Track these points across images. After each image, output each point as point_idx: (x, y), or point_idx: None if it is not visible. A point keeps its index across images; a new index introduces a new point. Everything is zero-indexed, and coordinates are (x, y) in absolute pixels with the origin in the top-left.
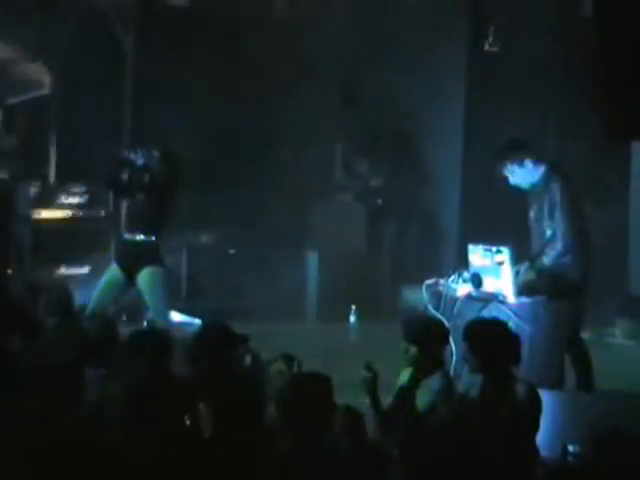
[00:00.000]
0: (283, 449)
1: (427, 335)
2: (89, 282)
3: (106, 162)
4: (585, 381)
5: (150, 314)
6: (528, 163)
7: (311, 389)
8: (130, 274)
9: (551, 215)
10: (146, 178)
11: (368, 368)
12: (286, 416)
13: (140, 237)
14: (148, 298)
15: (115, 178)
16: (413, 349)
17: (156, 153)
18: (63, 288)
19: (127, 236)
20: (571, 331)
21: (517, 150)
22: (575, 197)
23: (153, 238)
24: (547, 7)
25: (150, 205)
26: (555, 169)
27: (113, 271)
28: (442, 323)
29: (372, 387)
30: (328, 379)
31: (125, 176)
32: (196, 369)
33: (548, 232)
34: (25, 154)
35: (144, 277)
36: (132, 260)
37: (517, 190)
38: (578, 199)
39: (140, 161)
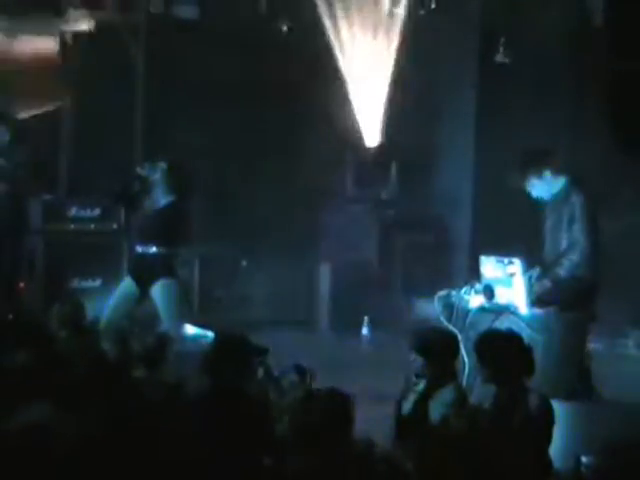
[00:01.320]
0: (294, 465)
1: (436, 347)
2: (101, 295)
3: (117, 178)
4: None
5: (164, 326)
6: (547, 174)
7: (329, 407)
8: (144, 287)
9: (569, 227)
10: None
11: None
12: (300, 433)
13: (153, 250)
14: (162, 310)
15: (126, 194)
16: (422, 361)
17: (163, 165)
18: (75, 301)
19: (140, 249)
20: (584, 341)
21: (534, 162)
22: (594, 212)
23: (166, 250)
24: (558, 18)
25: (162, 217)
26: (577, 183)
27: (126, 284)
28: (453, 335)
29: (401, 400)
30: (348, 397)
31: (136, 190)
32: (213, 382)
33: (564, 243)
34: (37, 167)
35: (158, 289)
36: (145, 273)
37: (539, 202)
38: (596, 214)
39: (149, 175)
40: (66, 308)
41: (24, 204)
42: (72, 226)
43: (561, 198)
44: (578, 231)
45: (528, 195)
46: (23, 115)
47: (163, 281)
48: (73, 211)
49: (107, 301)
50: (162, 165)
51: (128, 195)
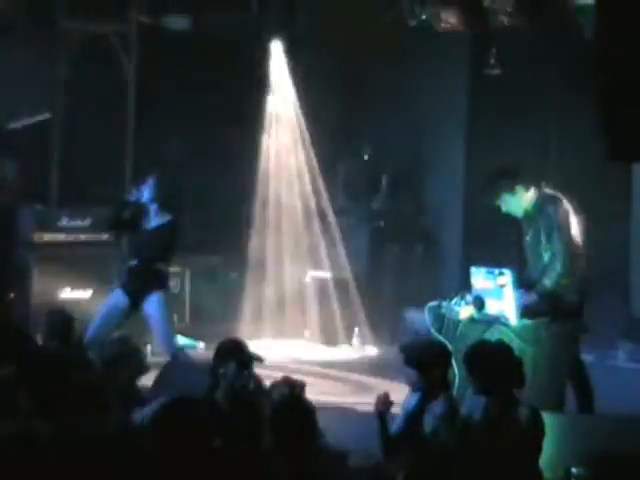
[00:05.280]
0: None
1: (428, 360)
2: (92, 305)
3: (108, 188)
4: (586, 404)
5: (157, 340)
6: (520, 190)
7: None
8: (135, 300)
9: (549, 238)
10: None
11: (383, 399)
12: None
13: (150, 265)
14: (155, 324)
15: (118, 221)
16: (415, 374)
17: (151, 182)
18: (65, 312)
19: (136, 263)
20: (574, 353)
21: (507, 179)
22: (570, 218)
23: (163, 266)
24: (548, 29)
25: (160, 236)
26: (549, 194)
27: (117, 296)
28: (444, 346)
29: (384, 416)
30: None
31: (127, 215)
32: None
33: (546, 255)
34: (27, 178)
35: (153, 304)
36: (140, 286)
37: (511, 217)
38: (573, 219)
39: (139, 197)
40: (55, 319)
41: (14, 215)
42: (63, 236)
43: (536, 212)
44: (557, 242)
45: (499, 210)
46: (13, 126)
47: (157, 295)
48: (64, 221)
49: (96, 313)
50: (150, 182)
51: (120, 223)
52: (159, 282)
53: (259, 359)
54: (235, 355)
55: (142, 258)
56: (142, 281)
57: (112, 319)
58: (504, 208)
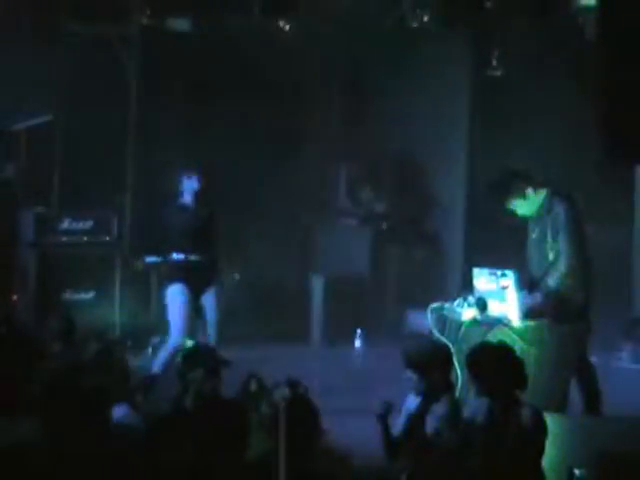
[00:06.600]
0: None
1: (429, 361)
2: (94, 307)
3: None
4: (592, 405)
5: (209, 331)
6: (530, 192)
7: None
8: (197, 294)
9: (555, 237)
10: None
11: (384, 402)
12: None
13: (206, 257)
14: (212, 316)
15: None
16: (416, 377)
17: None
18: (67, 314)
19: (192, 257)
20: (578, 354)
21: (517, 183)
22: (579, 218)
23: (216, 257)
24: (550, 31)
25: (212, 226)
26: (558, 193)
27: (184, 292)
28: (445, 347)
29: (385, 419)
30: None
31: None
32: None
33: (551, 254)
34: (29, 180)
35: (211, 297)
36: (200, 280)
37: (525, 220)
38: (581, 220)
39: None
40: (59, 321)
41: (16, 217)
42: (65, 239)
43: (544, 211)
44: (564, 241)
45: (513, 214)
46: (15, 127)
47: (215, 288)
48: (66, 224)
49: (174, 315)
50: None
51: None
52: (217, 274)
53: (226, 363)
54: (203, 361)
55: (195, 251)
56: (200, 275)
57: (191, 313)
58: (519, 212)
